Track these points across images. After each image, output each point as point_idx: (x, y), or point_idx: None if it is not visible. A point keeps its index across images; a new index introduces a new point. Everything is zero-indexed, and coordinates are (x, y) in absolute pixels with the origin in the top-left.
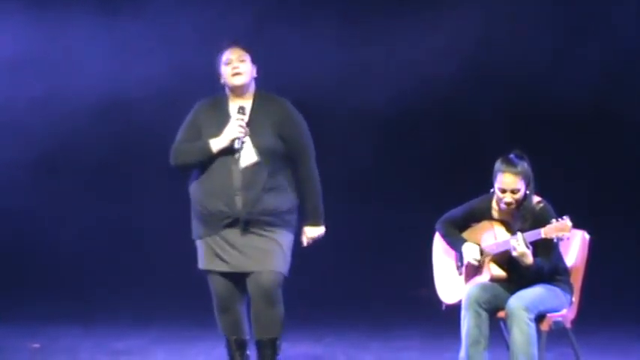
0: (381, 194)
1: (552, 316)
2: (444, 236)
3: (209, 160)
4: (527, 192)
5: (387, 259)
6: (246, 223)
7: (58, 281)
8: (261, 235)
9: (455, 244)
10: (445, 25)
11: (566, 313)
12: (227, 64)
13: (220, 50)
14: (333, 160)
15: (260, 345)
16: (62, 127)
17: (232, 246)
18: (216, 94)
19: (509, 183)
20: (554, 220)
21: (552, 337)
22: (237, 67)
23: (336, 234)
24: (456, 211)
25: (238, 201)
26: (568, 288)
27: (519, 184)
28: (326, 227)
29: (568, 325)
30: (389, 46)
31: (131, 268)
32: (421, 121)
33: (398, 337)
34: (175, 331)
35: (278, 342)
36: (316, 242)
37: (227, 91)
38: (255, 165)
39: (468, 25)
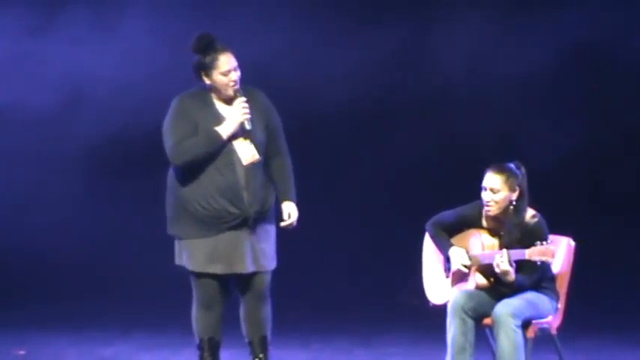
0: (369, 201)
1: (538, 323)
2: (433, 237)
3: (209, 157)
4: (515, 202)
5: (375, 266)
6: (253, 222)
7: (44, 287)
8: (259, 234)
9: (442, 247)
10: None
11: (551, 319)
12: (225, 74)
13: (204, 50)
14: (323, 165)
15: (254, 344)
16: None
17: (234, 246)
18: (191, 89)
19: (489, 180)
20: (539, 243)
21: (538, 343)
22: (235, 81)
23: (323, 241)
24: (447, 215)
25: (246, 200)
26: (554, 295)
27: (499, 185)
28: (312, 235)
29: (554, 331)
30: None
31: (117, 274)
32: (418, 125)
33: (384, 343)
34: (162, 337)
35: (269, 338)
36: (296, 230)
37: (211, 89)
38: (256, 162)
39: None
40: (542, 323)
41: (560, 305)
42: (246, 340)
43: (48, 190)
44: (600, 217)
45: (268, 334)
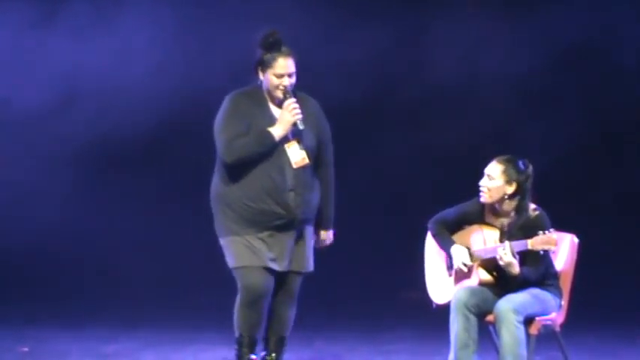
0: (372, 198)
1: (541, 320)
2: (435, 235)
3: (260, 157)
4: (507, 193)
5: (377, 262)
6: (300, 223)
7: (47, 284)
8: (303, 235)
9: (444, 244)
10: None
11: (555, 316)
12: (279, 77)
13: (268, 47)
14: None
15: (270, 342)
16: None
17: (278, 245)
18: (245, 87)
19: (489, 167)
20: (541, 233)
21: (541, 340)
22: (285, 86)
23: None
24: (449, 212)
25: (292, 202)
26: (557, 292)
27: (496, 174)
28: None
29: (557, 328)
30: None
31: (120, 271)
32: (418, 123)
33: (388, 340)
34: (164, 334)
35: (286, 340)
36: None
37: (264, 88)
38: (306, 165)
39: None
40: (545, 320)
41: (564, 302)
42: (263, 336)
43: (48, 187)
44: (604, 216)
45: (287, 335)
